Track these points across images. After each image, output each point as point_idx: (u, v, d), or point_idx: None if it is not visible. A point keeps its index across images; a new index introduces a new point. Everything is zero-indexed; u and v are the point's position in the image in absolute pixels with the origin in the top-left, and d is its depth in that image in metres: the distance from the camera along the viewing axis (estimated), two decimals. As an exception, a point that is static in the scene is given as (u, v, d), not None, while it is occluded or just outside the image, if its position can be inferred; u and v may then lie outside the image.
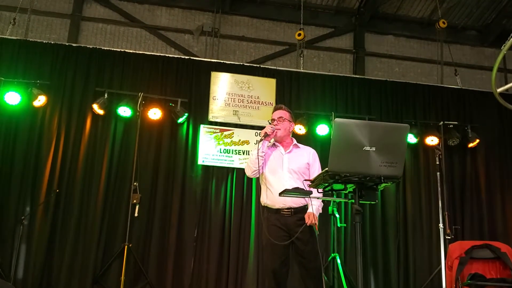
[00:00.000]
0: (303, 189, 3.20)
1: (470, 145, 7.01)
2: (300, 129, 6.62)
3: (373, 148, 2.62)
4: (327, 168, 2.65)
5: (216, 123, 6.69)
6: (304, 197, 3.50)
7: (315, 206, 3.75)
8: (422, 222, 6.79)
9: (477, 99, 7.43)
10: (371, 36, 8.36)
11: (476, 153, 7.17)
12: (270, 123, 4.02)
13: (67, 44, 6.80)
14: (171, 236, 6.16)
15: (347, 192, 2.86)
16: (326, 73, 7.46)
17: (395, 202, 6.80)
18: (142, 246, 6.11)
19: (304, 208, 3.85)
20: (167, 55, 7.04)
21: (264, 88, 6.94)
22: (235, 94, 6.84)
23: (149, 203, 6.23)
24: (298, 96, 7.02)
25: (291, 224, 3.83)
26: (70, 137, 6.26)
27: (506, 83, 6.87)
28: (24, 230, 5.80)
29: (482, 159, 7.17)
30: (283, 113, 4.06)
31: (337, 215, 5.86)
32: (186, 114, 6.49)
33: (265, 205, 3.95)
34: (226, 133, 6.66)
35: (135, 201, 5.96)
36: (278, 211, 3.87)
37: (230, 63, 7.08)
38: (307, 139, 6.66)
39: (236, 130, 6.69)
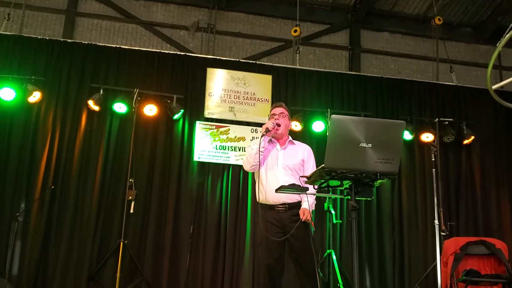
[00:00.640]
0: (299, 185, 3.21)
1: (465, 142, 7.03)
2: (296, 126, 6.62)
3: (369, 145, 2.63)
4: (323, 165, 2.65)
5: (212, 120, 6.68)
6: (300, 194, 3.50)
7: (308, 202, 3.78)
8: (417, 218, 6.81)
9: (472, 96, 7.45)
10: (367, 32, 8.37)
11: (471, 150, 7.19)
12: (269, 119, 4.05)
13: (62, 40, 6.76)
14: (167, 232, 6.15)
15: (343, 188, 2.87)
16: (322, 69, 7.46)
17: (390, 198, 6.81)
18: (137, 243, 6.09)
19: (299, 204, 3.86)
20: (162, 51, 7.01)
21: (260, 85, 6.93)
22: (231, 90, 6.82)
23: (144, 200, 6.22)
24: (294, 92, 7.01)
25: (286, 220, 3.84)
26: (65, 133, 6.23)
27: (501, 80, 6.88)
28: (19, 226, 5.77)
29: (477, 155, 7.19)
30: (283, 110, 4.12)
31: (333, 212, 5.88)
32: (182, 111, 6.47)
33: (260, 201, 3.95)
34: (222, 129, 6.65)
35: (130, 197, 5.96)
36: (272, 207, 3.88)
37: (226, 59, 7.07)
38: (303, 136, 6.66)
39: (232, 126, 6.69)
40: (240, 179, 6.49)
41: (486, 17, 8.35)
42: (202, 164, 6.50)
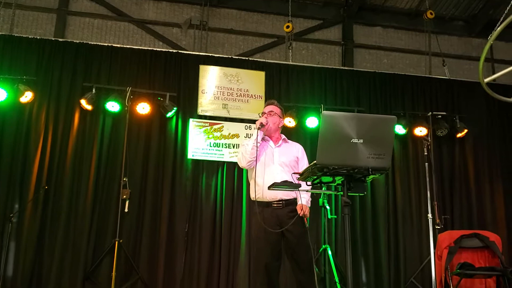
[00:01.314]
0: (291, 182, 3.21)
1: (459, 135, 7.06)
2: (290, 122, 6.62)
3: (361, 140, 2.63)
4: (315, 161, 2.66)
5: (205, 117, 6.66)
6: (293, 190, 3.51)
7: (305, 199, 3.82)
8: (412, 212, 6.83)
9: (465, 89, 7.48)
10: (359, 27, 8.36)
11: (465, 143, 7.22)
12: (260, 116, 4.07)
13: (53, 39, 6.72)
14: (162, 231, 6.15)
15: (335, 184, 2.87)
16: (315, 65, 7.45)
17: (385, 193, 6.83)
18: (133, 242, 6.09)
19: (295, 201, 3.89)
20: (155, 49, 6.99)
21: (253, 81, 6.92)
22: (224, 87, 6.81)
23: (139, 199, 6.21)
24: (287, 88, 7.01)
25: (283, 216, 3.85)
26: (58, 133, 6.21)
27: (494, 73, 6.90)
28: (13, 227, 5.75)
29: (470, 149, 7.22)
30: (274, 108, 4.14)
31: (328, 207, 5.91)
32: (175, 108, 6.46)
33: (256, 199, 3.94)
34: (215, 126, 6.64)
35: (124, 196, 5.95)
36: (269, 204, 3.89)
37: (219, 56, 7.05)
38: (297, 132, 6.67)
39: (225, 123, 6.68)
40: (234, 176, 6.49)
41: (478, 10, 8.36)
42: (196, 162, 6.49)
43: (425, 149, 5.56)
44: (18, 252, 5.77)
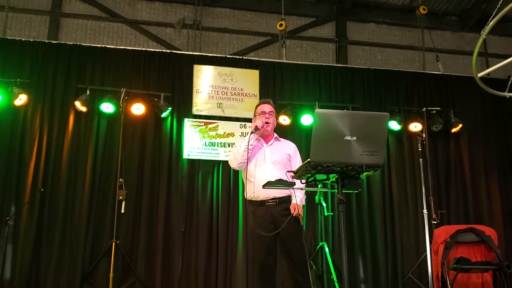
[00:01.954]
0: (286, 180, 3.22)
1: (453, 130, 7.07)
2: (285, 120, 6.63)
3: (354, 138, 2.63)
4: (309, 159, 2.66)
5: (200, 116, 6.66)
6: (287, 189, 3.52)
7: (299, 197, 3.80)
8: (408, 208, 6.84)
9: (459, 84, 7.50)
10: (352, 24, 8.37)
11: (460, 138, 7.24)
12: (255, 115, 4.05)
13: (46, 41, 6.71)
14: (159, 231, 6.15)
15: (330, 182, 2.88)
16: (309, 63, 7.46)
17: (380, 189, 6.84)
18: (130, 243, 6.09)
19: (289, 198, 3.88)
20: (148, 49, 6.99)
21: (248, 80, 6.92)
22: (218, 86, 6.81)
23: (135, 199, 6.21)
24: (281, 86, 7.02)
25: (277, 214, 3.86)
26: (53, 135, 6.20)
27: (488, 68, 6.92)
28: (9, 230, 5.74)
29: (465, 143, 7.24)
30: (272, 108, 4.14)
31: (324, 204, 5.91)
32: (170, 108, 6.46)
33: (250, 198, 3.95)
34: (210, 126, 6.64)
35: (121, 197, 5.95)
36: (263, 203, 3.89)
37: (213, 56, 7.05)
38: (291, 130, 6.68)
39: (220, 122, 6.68)
40: (230, 175, 6.49)
41: (471, 5, 8.37)
42: (192, 162, 6.49)
43: (419, 145, 5.57)
44: (16, 255, 5.77)
